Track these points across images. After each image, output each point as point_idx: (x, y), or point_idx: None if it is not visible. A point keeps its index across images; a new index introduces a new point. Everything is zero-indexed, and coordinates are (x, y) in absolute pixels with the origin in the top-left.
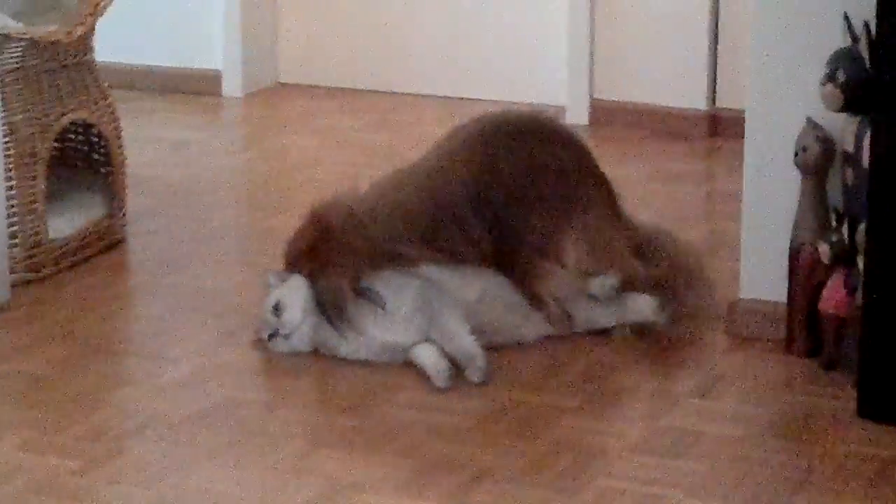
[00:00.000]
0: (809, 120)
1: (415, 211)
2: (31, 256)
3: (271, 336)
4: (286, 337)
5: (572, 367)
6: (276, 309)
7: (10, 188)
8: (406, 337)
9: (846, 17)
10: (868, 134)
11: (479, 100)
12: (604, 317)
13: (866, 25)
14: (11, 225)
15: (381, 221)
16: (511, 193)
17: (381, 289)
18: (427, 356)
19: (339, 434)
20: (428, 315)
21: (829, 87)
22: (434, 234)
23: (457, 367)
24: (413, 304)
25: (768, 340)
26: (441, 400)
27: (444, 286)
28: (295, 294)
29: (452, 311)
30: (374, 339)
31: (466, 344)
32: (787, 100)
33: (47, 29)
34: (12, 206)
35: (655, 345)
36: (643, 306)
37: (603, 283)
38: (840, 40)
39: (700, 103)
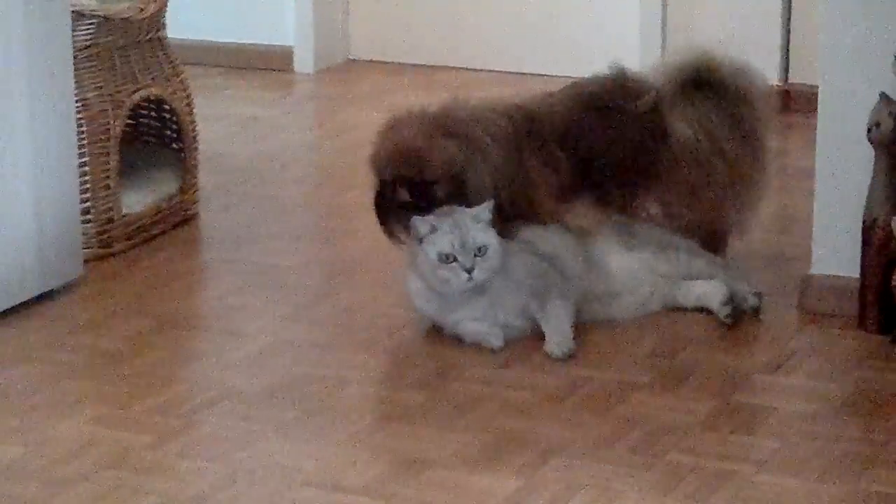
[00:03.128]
0: (883, 95)
1: (503, 121)
2: (103, 232)
3: (468, 271)
4: (473, 278)
5: (642, 342)
6: (480, 250)
7: (84, 164)
8: (509, 318)
9: None
10: None
11: (550, 76)
12: (681, 297)
13: None
14: (84, 201)
15: (472, 120)
16: (599, 143)
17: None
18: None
19: (409, 410)
20: (538, 297)
21: None
22: (518, 147)
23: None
24: (527, 285)
25: (841, 316)
26: (511, 376)
27: (556, 260)
28: (494, 237)
29: (563, 299)
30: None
31: (564, 326)
32: (859, 75)
33: (120, 6)
34: (85, 183)
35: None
36: (712, 297)
37: (677, 261)
38: None
39: (773, 78)
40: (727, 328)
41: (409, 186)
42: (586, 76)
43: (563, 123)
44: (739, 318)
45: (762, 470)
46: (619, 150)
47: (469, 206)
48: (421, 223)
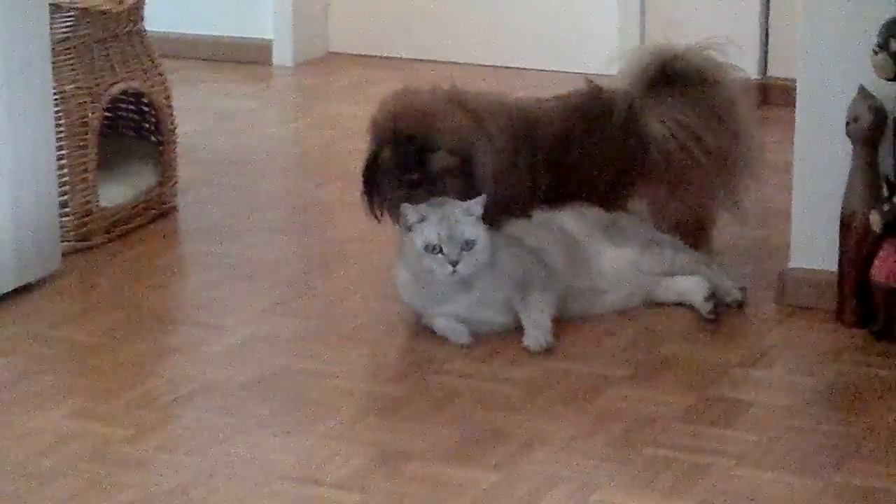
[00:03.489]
0: (861, 89)
1: (506, 117)
2: (82, 225)
3: (453, 264)
4: (458, 271)
5: (621, 336)
6: (468, 244)
7: (62, 157)
8: (495, 315)
9: None
10: None
11: (530, 69)
12: (662, 292)
13: None
14: (63, 194)
15: (482, 106)
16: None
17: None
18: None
19: (387, 403)
20: (520, 290)
21: (882, 55)
22: (515, 147)
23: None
24: (512, 280)
25: (819, 310)
26: (490, 369)
27: (542, 254)
28: (483, 233)
29: (546, 293)
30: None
31: (543, 320)
32: (838, 68)
33: None
34: (63, 175)
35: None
36: (695, 292)
37: (661, 260)
38: (893, 8)
39: (751, 72)
40: (707, 322)
41: (412, 149)
42: (566, 91)
43: (553, 132)
44: (721, 314)
45: (740, 463)
46: (602, 159)
47: (467, 187)
48: (411, 211)
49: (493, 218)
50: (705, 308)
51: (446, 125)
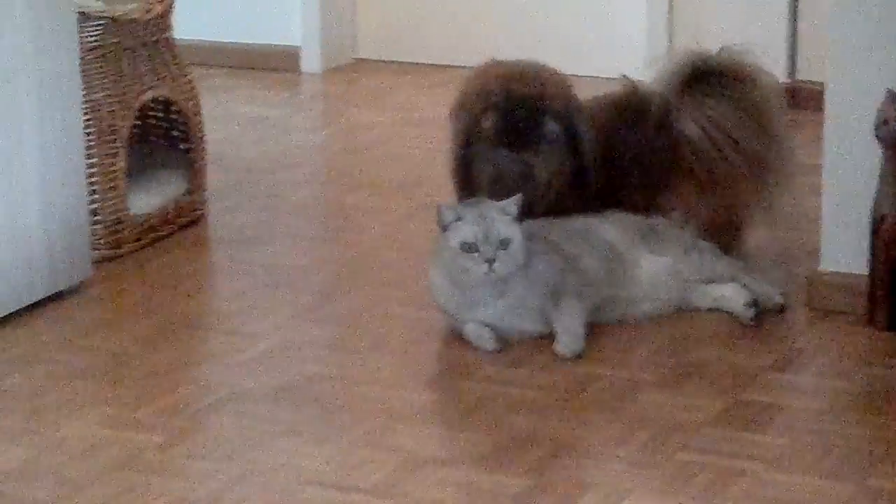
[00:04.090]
0: (890, 92)
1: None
2: (112, 233)
3: (489, 262)
4: (493, 270)
5: (651, 341)
6: (503, 243)
7: (92, 166)
8: (528, 321)
9: None
10: None
11: None
12: (698, 299)
13: None
14: (93, 202)
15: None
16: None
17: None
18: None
19: (418, 409)
20: (554, 296)
21: None
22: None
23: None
24: (546, 287)
25: (849, 313)
26: (521, 375)
27: (578, 262)
28: (518, 232)
29: (579, 299)
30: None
31: (576, 326)
32: (867, 72)
33: (127, 7)
34: (93, 184)
35: (734, 318)
36: (735, 299)
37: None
38: None
39: (780, 75)
40: (744, 328)
41: (524, 112)
42: (603, 91)
43: (597, 131)
44: (762, 321)
45: (772, 467)
46: (641, 155)
47: (566, 158)
48: (446, 210)
49: (596, 195)
50: (747, 315)
51: (557, 90)
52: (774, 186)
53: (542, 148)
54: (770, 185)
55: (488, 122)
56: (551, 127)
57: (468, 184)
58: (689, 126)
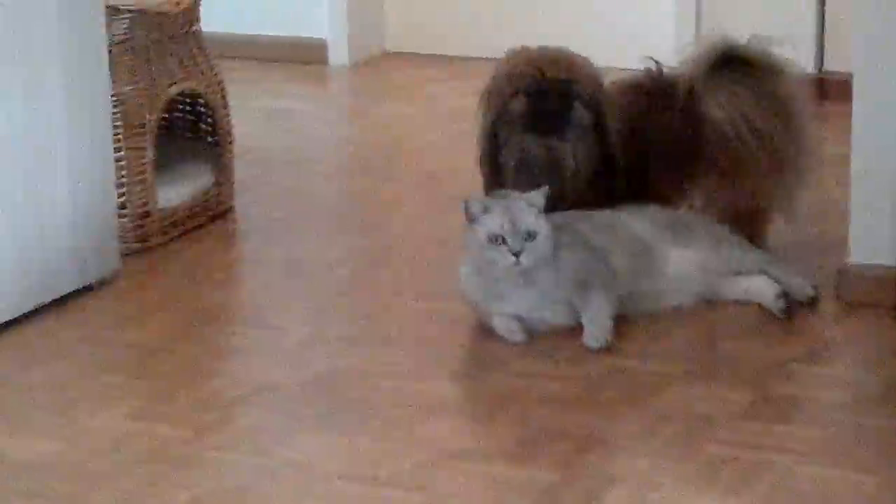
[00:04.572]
0: None
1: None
2: (140, 226)
3: (516, 254)
4: (521, 262)
5: (679, 333)
6: (530, 235)
7: (120, 159)
8: (555, 313)
9: None
10: None
11: None
12: (727, 290)
13: None
14: (121, 195)
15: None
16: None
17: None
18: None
19: (445, 402)
20: (581, 288)
21: None
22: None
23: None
24: (568, 284)
25: (878, 306)
26: (549, 368)
27: (606, 254)
28: (545, 225)
29: (607, 291)
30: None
31: (603, 318)
32: (894, 62)
33: (154, 0)
34: (122, 177)
35: (762, 311)
36: (765, 291)
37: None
38: None
39: (808, 67)
40: (777, 320)
41: (556, 95)
42: (627, 73)
43: (621, 114)
44: (794, 312)
45: (801, 460)
46: (665, 139)
47: (593, 146)
48: (474, 203)
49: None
50: (777, 306)
51: (585, 76)
52: (796, 178)
53: (570, 134)
54: (792, 177)
55: (517, 107)
56: (580, 113)
57: (496, 169)
58: (714, 111)
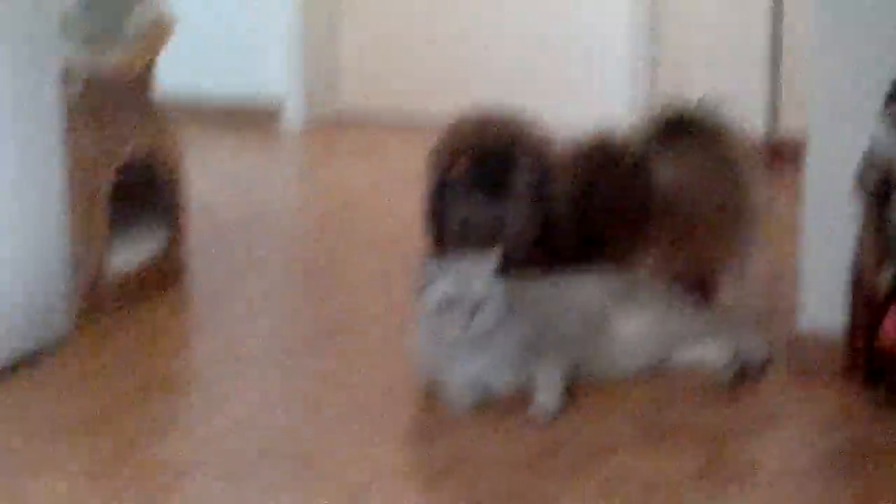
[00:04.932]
0: (869, 148)
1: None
2: (92, 290)
3: (466, 320)
4: (471, 328)
5: (630, 399)
6: (481, 301)
7: (73, 222)
8: (507, 378)
9: None
10: None
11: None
12: (678, 355)
13: None
14: (73, 259)
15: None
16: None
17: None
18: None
19: (396, 469)
20: (530, 361)
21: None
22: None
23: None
24: (519, 348)
25: (829, 370)
26: (498, 433)
27: (559, 320)
28: (498, 289)
29: (558, 358)
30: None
31: (554, 386)
32: (848, 126)
33: (109, 63)
34: (74, 240)
35: (714, 377)
36: (714, 359)
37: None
38: None
39: (760, 129)
40: (725, 386)
41: (496, 161)
42: (579, 139)
43: (571, 176)
44: (744, 377)
45: None
46: (615, 202)
47: (537, 212)
48: (426, 267)
49: (570, 247)
50: (724, 376)
51: (531, 140)
52: (745, 241)
53: (514, 198)
54: (741, 240)
55: (460, 169)
56: (523, 175)
57: (441, 231)
58: (663, 173)
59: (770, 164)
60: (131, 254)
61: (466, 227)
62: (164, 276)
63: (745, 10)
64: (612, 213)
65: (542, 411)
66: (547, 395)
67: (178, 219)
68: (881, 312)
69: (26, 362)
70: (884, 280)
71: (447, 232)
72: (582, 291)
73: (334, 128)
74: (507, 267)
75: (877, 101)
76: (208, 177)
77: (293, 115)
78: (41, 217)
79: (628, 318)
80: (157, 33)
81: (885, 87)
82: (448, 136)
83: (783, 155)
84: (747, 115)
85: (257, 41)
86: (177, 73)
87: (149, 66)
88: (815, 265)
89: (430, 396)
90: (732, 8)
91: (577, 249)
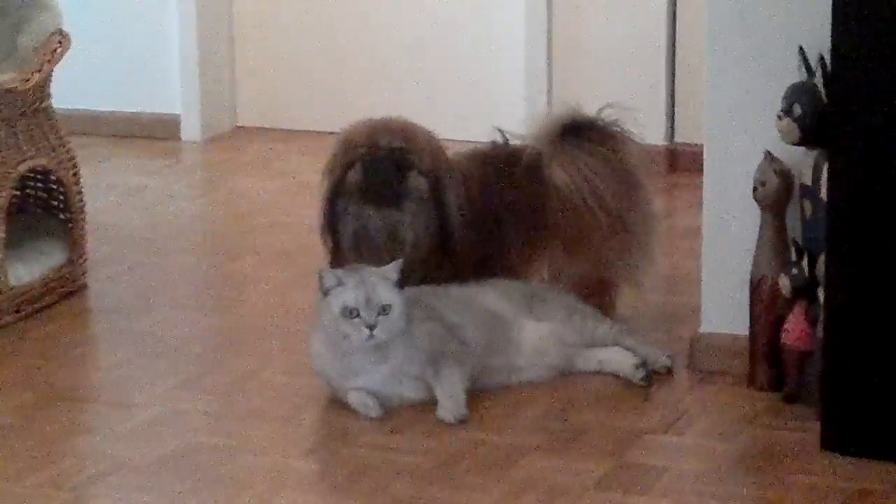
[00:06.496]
0: (767, 153)
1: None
2: None
3: (370, 328)
4: (374, 336)
5: (535, 405)
6: (385, 309)
7: None
8: (408, 389)
9: (801, 51)
10: (826, 167)
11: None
12: (581, 362)
13: (821, 59)
14: None
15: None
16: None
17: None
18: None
19: (302, 477)
20: (434, 363)
21: (786, 120)
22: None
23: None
24: (426, 354)
25: (731, 374)
26: (404, 441)
27: (460, 330)
28: (399, 298)
29: (460, 366)
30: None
31: (457, 392)
32: (744, 134)
33: (4, 76)
34: None
35: (617, 381)
36: (623, 361)
37: (583, 328)
38: (796, 74)
39: (658, 139)
40: (636, 389)
41: (390, 164)
42: (476, 146)
43: (472, 185)
44: (653, 381)
45: None
46: (511, 208)
47: (432, 216)
48: (328, 275)
49: (467, 254)
50: (638, 375)
51: (423, 145)
52: (640, 247)
53: (408, 205)
54: (635, 246)
55: (353, 177)
56: (416, 182)
57: (336, 240)
58: (558, 176)
59: (668, 169)
60: (30, 268)
61: (361, 236)
62: (64, 290)
63: (643, 14)
64: (508, 218)
65: (448, 417)
66: (450, 402)
67: (76, 233)
68: (781, 316)
69: None
70: (783, 285)
71: (343, 242)
72: (484, 299)
73: (233, 140)
74: (407, 275)
75: (772, 109)
76: (107, 191)
77: (191, 129)
78: None
79: (531, 326)
80: (52, 49)
81: (781, 94)
82: (340, 144)
83: (680, 161)
84: (644, 124)
85: (154, 55)
86: (73, 88)
87: (45, 81)
88: (715, 270)
89: (336, 405)
90: (630, 13)
91: (474, 256)
